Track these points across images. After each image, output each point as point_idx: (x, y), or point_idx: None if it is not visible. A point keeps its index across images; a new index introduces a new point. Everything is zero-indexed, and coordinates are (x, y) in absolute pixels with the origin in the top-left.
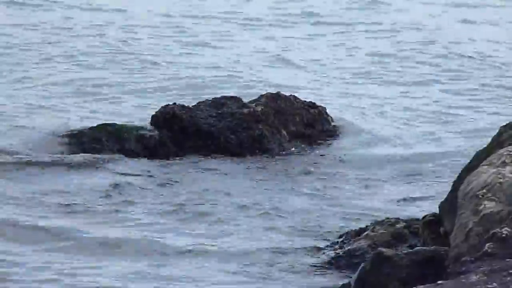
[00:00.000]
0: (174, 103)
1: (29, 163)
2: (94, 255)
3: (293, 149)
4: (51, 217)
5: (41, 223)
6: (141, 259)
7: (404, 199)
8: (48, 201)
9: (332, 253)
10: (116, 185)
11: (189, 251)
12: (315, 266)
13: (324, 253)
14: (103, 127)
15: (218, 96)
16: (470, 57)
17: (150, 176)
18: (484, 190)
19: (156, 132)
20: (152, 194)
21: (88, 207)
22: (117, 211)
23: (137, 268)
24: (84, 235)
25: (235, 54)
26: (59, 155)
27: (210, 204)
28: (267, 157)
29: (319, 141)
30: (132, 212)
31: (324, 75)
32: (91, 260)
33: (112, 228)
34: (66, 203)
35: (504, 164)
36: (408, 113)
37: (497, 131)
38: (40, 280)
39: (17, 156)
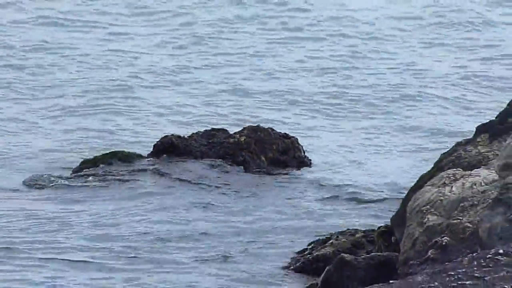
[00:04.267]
0: (172, 134)
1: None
2: None
3: (269, 171)
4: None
5: None
6: None
7: (360, 214)
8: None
9: (302, 259)
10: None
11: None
12: (287, 268)
13: (295, 258)
14: (114, 153)
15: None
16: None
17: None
18: (428, 206)
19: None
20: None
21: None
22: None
23: None
24: None
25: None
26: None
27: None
28: (247, 176)
29: (291, 167)
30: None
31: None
32: None
33: None
34: None
35: (444, 184)
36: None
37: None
38: None
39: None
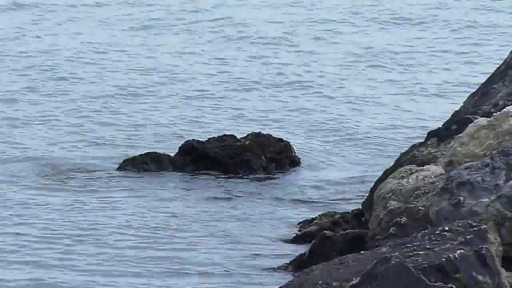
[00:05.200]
0: (193, 139)
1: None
2: None
3: (268, 169)
4: None
5: None
6: None
7: (340, 200)
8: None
9: (293, 234)
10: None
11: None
12: (282, 241)
13: (288, 234)
14: (149, 154)
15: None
16: None
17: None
18: (390, 194)
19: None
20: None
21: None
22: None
23: None
24: None
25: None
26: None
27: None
28: (250, 174)
29: (285, 164)
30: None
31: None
32: None
33: None
34: None
35: (402, 177)
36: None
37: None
38: None
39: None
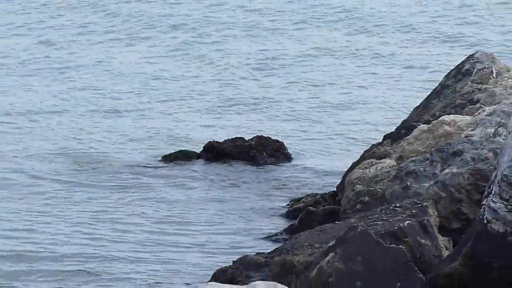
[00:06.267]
0: (213, 140)
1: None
2: None
3: (268, 162)
4: None
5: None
6: None
7: (319, 185)
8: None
9: (286, 209)
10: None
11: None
12: (278, 215)
13: (281, 209)
14: (181, 151)
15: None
16: None
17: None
18: (356, 180)
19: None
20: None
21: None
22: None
23: None
24: None
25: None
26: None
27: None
28: (255, 166)
29: (280, 159)
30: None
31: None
32: None
33: None
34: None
35: (366, 168)
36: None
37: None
38: None
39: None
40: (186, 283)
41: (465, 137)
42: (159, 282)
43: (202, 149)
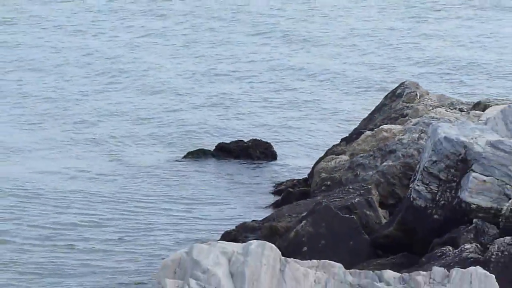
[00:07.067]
0: (222, 142)
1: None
2: None
3: (260, 158)
4: None
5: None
6: None
7: (296, 173)
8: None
9: (273, 190)
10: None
11: None
12: (267, 193)
13: (271, 190)
14: (200, 149)
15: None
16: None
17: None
18: (322, 169)
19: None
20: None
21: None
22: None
23: None
24: None
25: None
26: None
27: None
28: (250, 160)
29: (268, 156)
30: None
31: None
32: None
33: None
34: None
35: (328, 161)
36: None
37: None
38: None
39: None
40: (202, 241)
41: (398, 140)
42: (189, 238)
43: (214, 148)
